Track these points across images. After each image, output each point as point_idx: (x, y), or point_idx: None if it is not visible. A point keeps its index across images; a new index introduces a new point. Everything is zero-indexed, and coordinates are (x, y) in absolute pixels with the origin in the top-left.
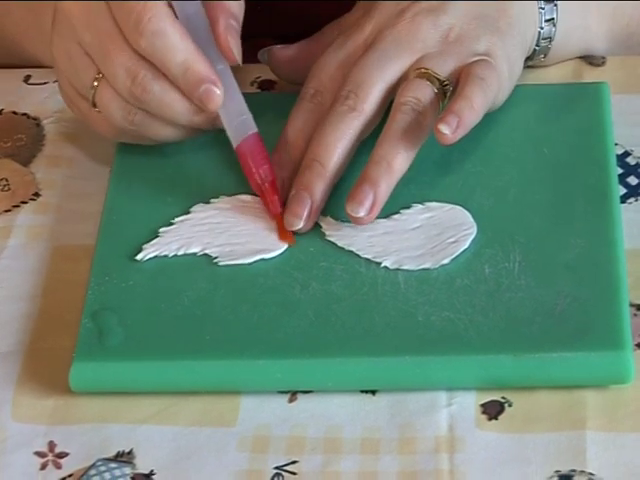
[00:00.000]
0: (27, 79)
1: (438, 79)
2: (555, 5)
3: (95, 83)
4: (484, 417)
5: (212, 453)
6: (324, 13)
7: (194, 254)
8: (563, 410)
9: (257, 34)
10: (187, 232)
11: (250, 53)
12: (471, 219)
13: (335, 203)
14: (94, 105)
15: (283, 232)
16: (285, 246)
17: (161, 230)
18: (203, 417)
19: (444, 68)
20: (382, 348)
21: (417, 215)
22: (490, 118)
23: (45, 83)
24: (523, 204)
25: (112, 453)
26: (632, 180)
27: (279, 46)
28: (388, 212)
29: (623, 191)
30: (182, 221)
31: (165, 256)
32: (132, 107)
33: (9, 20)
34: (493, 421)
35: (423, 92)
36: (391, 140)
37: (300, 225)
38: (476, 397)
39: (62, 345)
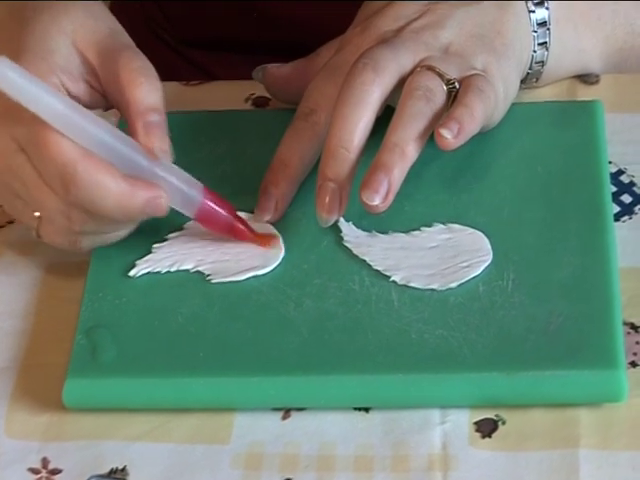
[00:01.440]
0: None
1: (445, 76)
2: (548, 29)
3: (37, 215)
4: (478, 435)
5: (206, 470)
6: (321, 22)
7: (187, 271)
8: (556, 428)
9: (253, 45)
10: (180, 248)
11: (246, 68)
12: (489, 246)
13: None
14: (38, 236)
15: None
16: (277, 262)
17: (154, 246)
18: (197, 434)
19: (447, 72)
20: (375, 366)
21: (436, 235)
22: (484, 135)
23: None
24: (517, 222)
25: (105, 470)
26: (626, 198)
27: (274, 65)
28: (408, 228)
29: (617, 209)
30: (175, 237)
31: (158, 272)
32: (77, 236)
33: None
34: (487, 439)
35: (433, 82)
36: (404, 126)
37: (332, 220)
38: (470, 415)
39: (56, 361)
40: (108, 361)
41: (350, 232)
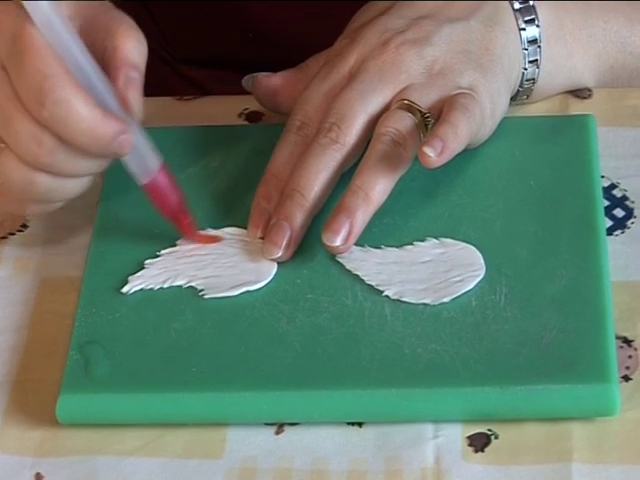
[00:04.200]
0: None
1: (420, 111)
2: (539, 47)
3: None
4: (470, 449)
5: None
6: (316, 40)
7: (180, 286)
8: (549, 442)
9: (249, 63)
10: (173, 264)
11: (242, 86)
12: (482, 261)
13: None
14: None
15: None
16: (270, 277)
17: (147, 262)
18: (190, 449)
19: (427, 100)
20: (368, 380)
21: (429, 249)
22: (476, 150)
23: None
24: (509, 236)
25: None
26: (618, 212)
27: (264, 74)
28: (401, 242)
29: (609, 223)
30: (168, 253)
31: (151, 289)
32: (35, 175)
33: None
34: (479, 453)
35: (403, 123)
36: (370, 170)
37: (279, 254)
38: (462, 429)
39: (49, 377)
40: (101, 376)
41: None
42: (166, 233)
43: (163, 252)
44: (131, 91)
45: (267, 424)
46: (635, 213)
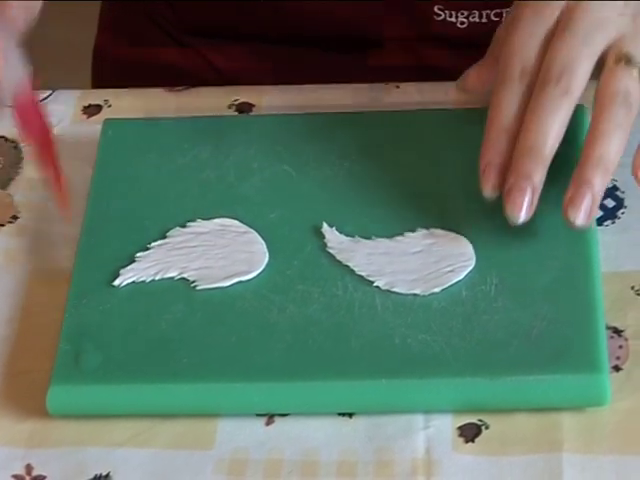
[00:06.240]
0: None
1: (638, 64)
2: None
3: None
4: (461, 440)
5: (189, 476)
6: (324, 12)
7: (171, 278)
8: (540, 432)
9: (255, 36)
10: (164, 256)
11: (247, 59)
12: (472, 251)
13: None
14: None
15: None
16: (262, 268)
17: (138, 255)
18: (180, 440)
19: None
20: (359, 371)
21: (419, 240)
22: (466, 140)
23: None
24: (500, 227)
25: (90, 476)
26: (609, 202)
27: (470, 69)
28: (391, 233)
29: (600, 214)
30: (159, 245)
31: (143, 281)
32: None
33: None
34: (470, 444)
35: (628, 80)
36: (609, 137)
37: (522, 218)
38: (453, 420)
39: (39, 368)
40: (92, 368)
41: (334, 238)
42: (157, 225)
43: (154, 244)
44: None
45: (258, 415)
46: (625, 203)
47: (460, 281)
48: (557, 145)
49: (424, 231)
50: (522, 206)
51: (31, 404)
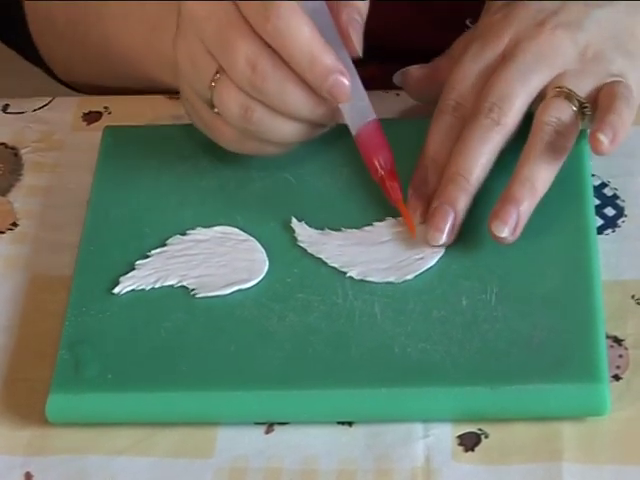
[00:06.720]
0: (5, 108)
1: (578, 100)
2: None
3: (213, 84)
4: (460, 449)
5: None
6: None
7: (171, 286)
8: (540, 442)
9: None
10: (164, 264)
11: None
12: None
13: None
14: (212, 106)
15: (409, 221)
16: (262, 276)
17: (137, 263)
18: (180, 448)
19: (582, 87)
20: (359, 380)
21: (388, 228)
22: None
23: (23, 112)
24: None
25: None
26: (609, 211)
27: (414, 66)
28: (361, 223)
29: (600, 222)
30: (159, 253)
31: (142, 289)
32: (251, 102)
33: (126, 37)
34: (469, 453)
35: (565, 112)
36: (536, 160)
37: (443, 240)
38: (452, 429)
39: (39, 376)
40: (91, 376)
41: (303, 232)
42: (156, 233)
43: (153, 252)
44: (353, 28)
45: (257, 423)
46: (626, 212)
47: (460, 289)
48: (484, 175)
49: (392, 220)
50: (444, 229)
51: (30, 412)
